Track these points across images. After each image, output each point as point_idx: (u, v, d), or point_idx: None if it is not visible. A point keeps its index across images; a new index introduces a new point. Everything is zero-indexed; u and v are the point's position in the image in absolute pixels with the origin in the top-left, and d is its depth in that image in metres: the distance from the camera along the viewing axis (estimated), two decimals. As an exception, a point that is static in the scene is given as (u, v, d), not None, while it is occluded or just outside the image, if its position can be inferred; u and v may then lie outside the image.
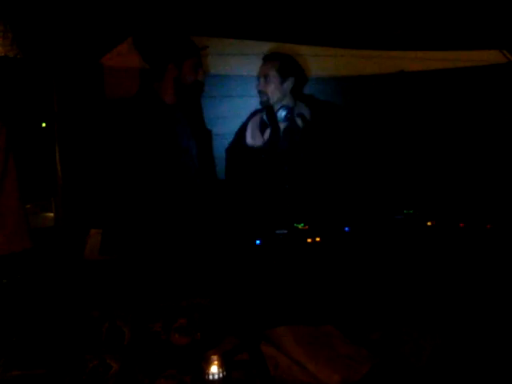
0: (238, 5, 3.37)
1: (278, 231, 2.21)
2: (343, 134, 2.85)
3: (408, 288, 2.07)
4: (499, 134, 3.32)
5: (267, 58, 2.78)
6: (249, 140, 2.74)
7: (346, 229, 2.26)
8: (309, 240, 2.15)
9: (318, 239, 2.17)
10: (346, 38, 3.51)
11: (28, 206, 3.23)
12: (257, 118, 2.79)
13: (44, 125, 2.49)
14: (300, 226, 2.28)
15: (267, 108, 2.73)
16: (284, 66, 2.75)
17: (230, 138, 3.04)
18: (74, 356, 1.74)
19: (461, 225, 2.33)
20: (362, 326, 1.95)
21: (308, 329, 1.93)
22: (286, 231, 2.21)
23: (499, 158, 3.12)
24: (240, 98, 3.15)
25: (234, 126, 3.07)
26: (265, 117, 2.75)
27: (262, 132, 2.73)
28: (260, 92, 2.75)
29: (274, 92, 2.71)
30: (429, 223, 2.27)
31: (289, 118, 2.68)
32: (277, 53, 2.85)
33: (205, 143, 2.41)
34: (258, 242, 2.11)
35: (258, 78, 2.76)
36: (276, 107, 2.71)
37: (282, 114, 2.70)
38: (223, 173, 2.76)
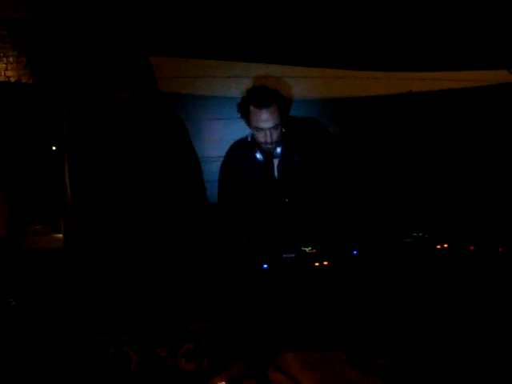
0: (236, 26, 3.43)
1: (285, 255, 2.19)
2: (346, 156, 2.84)
3: (418, 313, 2.03)
4: (510, 154, 3.29)
5: (263, 104, 2.46)
6: (240, 172, 2.59)
7: (355, 252, 2.24)
8: (316, 264, 2.13)
9: (325, 263, 2.15)
10: (350, 60, 3.55)
11: (38, 227, 3.26)
12: (246, 153, 2.60)
13: (54, 148, 2.52)
14: (308, 249, 2.26)
15: (262, 148, 2.54)
16: (281, 107, 2.50)
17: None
18: (80, 381, 1.73)
19: (471, 248, 2.29)
20: (371, 351, 1.92)
21: (316, 355, 1.90)
22: (293, 255, 2.19)
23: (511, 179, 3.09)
24: (230, 120, 3.12)
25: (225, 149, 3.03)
26: (259, 155, 2.56)
27: (255, 167, 2.57)
28: (266, 143, 2.51)
29: (278, 137, 2.51)
30: (438, 246, 2.24)
31: (284, 153, 2.53)
32: (264, 89, 2.52)
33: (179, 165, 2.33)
34: (265, 266, 2.10)
35: (260, 129, 2.49)
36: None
37: (277, 151, 2.53)
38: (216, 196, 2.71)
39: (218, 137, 3.09)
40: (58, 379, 1.74)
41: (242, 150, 2.65)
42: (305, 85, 3.32)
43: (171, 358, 1.82)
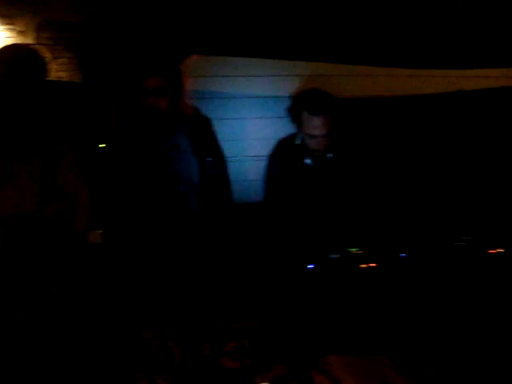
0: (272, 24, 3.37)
1: (331, 255, 2.16)
2: (397, 157, 2.75)
3: (469, 321, 1.95)
4: None
5: (319, 111, 2.31)
6: (287, 174, 2.47)
7: (403, 255, 2.17)
8: (363, 265, 2.08)
9: (372, 265, 2.10)
10: (401, 58, 3.45)
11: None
12: (293, 157, 2.46)
13: (102, 146, 2.56)
14: (354, 250, 2.22)
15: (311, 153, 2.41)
16: (336, 113, 2.36)
17: (243, 161, 2.97)
18: (125, 375, 1.76)
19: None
20: (418, 358, 1.85)
21: (360, 359, 1.85)
22: (338, 255, 2.16)
23: None
24: (251, 120, 3.07)
25: (246, 149, 2.99)
26: (308, 161, 2.45)
27: (303, 171, 2.43)
28: (319, 150, 2.38)
29: (329, 142, 2.38)
30: (491, 251, 2.14)
31: (334, 158, 2.39)
32: (320, 95, 2.38)
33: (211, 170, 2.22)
34: (310, 266, 2.07)
35: (314, 136, 2.36)
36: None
37: (327, 156, 2.41)
38: (244, 196, 2.65)
39: (260, 136, 3.07)
40: (105, 371, 1.78)
41: (288, 151, 2.51)
42: (353, 84, 3.25)
43: (214, 356, 1.83)
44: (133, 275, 2.07)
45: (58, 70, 4.26)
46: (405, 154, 2.82)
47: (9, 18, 4.16)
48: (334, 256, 2.14)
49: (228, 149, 2.74)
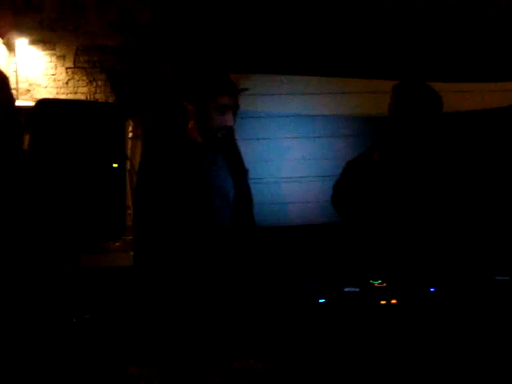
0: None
1: (347, 288, 1.89)
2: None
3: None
4: None
5: None
6: None
7: (432, 289, 1.88)
8: (383, 302, 1.81)
9: (393, 301, 1.82)
10: (463, 72, 3.22)
11: (117, 243, 3.28)
12: None
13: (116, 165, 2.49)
14: (377, 282, 1.94)
15: None
16: None
17: (269, 183, 2.86)
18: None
19: None
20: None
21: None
22: (357, 289, 1.89)
23: None
24: (280, 141, 2.96)
25: (272, 170, 2.86)
26: None
27: None
28: None
29: None
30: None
31: None
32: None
33: (243, 187, 2.12)
34: (322, 300, 1.82)
35: None
36: None
37: None
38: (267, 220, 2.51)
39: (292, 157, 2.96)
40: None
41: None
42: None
43: (208, 399, 1.62)
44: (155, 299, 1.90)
45: (94, 93, 4.35)
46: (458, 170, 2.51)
47: (50, 44, 4.31)
48: (351, 289, 1.88)
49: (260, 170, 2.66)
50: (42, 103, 2.11)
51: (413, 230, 2.11)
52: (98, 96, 4.28)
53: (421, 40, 3.40)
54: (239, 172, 2.13)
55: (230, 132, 2.01)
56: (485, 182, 2.49)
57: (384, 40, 3.33)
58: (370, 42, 3.34)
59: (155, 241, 1.92)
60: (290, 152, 3.16)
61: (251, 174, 2.19)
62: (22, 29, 4.17)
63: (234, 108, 2.03)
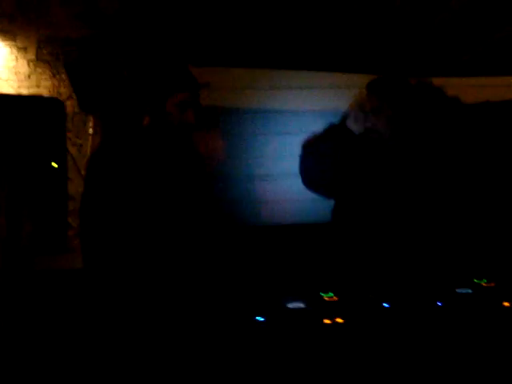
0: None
1: (291, 304, 1.72)
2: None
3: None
4: None
5: None
6: None
7: (385, 305, 1.71)
8: (327, 321, 1.62)
9: (339, 320, 1.64)
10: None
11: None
12: None
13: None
14: (327, 296, 1.76)
15: None
16: None
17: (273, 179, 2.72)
18: None
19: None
20: None
21: None
22: (303, 305, 1.71)
23: None
24: (280, 136, 2.84)
25: (273, 167, 2.75)
26: None
27: None
28: None
29: None
30: (506, 304, 1.62)
31: None
32: None
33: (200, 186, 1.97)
34: (259, 318, 1.63)
35: None
36: None
37: None
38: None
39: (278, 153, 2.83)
40: None
41: None
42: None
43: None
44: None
45: (58, 86, 4.14)
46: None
47: (10, 34, 4.09)
48: (295, 305, 1.70)
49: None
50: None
51: (369, 233, 1.95)
52: (62, 90, 4.08)
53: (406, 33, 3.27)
54: (197, 170, 2.04)
55: (190, 129, 1.92)
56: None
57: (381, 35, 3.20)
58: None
59: (104, 243, 1.82)
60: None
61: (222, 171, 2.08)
62: (-22, 19, 3.96)
63: (195, 104, 1.95)
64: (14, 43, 4.16)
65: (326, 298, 1.76)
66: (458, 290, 1.76)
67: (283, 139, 3.00)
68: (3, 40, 4.10)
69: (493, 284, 1.74)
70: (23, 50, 4.14)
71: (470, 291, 1.76)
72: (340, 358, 1.56)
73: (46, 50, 4.12)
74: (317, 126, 2.86)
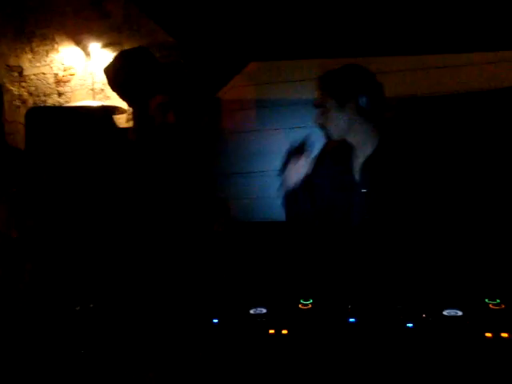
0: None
1: (254, 309, 1.64)
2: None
3: None
4: None
5: None
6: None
7: (352, 320, 1.54)
8: (271, 331, 1.52)
9: (284, 332, 1.52)
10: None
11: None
12: None
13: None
14: (307, 302, 1.66)
15: None
16: None
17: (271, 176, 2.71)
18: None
19: None
20: None
21: None
22: (264, 310, 1.63)
23: None
24: (278, 131, 2.79)
25: (271, 163, 2.68)
26: None
27: None
28: None
29: None
30: (488, 335, 1.33)
31: None
32: None
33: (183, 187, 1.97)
34: (214, 320, 1.60)
35: None
36: None
37: None
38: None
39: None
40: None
41: None
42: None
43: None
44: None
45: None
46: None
47: (118, 46, 4.61)
48: (258, 310, 1.62)
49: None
50: None
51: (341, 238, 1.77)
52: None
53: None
54: (179, 171, 2.07)
55: (171, 131, 1.96)
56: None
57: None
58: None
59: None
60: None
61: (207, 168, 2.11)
62: (94, 34, 4.54)
63: (177, 105, 1.96)
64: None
65: (301, 306, 1.66)
66: (444, 312, 1.47)
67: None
68: (114, 51, 4.65)
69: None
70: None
71: (461, 314, 1.46)
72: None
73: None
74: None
